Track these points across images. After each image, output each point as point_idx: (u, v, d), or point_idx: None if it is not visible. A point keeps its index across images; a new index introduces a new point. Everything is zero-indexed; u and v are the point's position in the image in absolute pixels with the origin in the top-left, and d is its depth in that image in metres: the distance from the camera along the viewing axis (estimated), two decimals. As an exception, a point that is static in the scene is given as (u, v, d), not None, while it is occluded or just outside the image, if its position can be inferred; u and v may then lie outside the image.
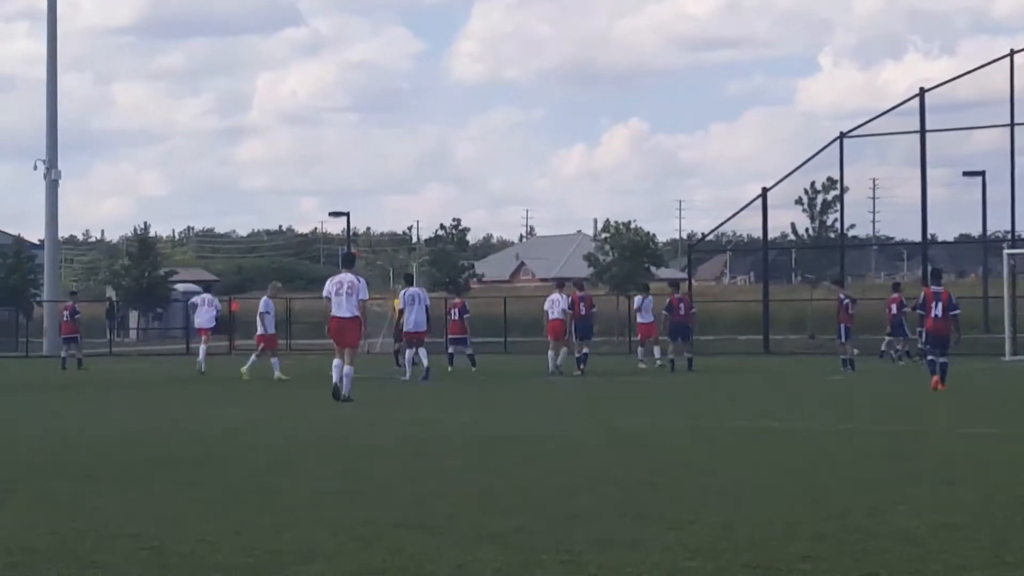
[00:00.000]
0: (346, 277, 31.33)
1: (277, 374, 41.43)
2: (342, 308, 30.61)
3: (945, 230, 67.80)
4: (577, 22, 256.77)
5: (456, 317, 46.78)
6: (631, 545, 11.37)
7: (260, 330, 43.66)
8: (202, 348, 47.24)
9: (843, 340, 44.88)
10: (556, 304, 44.59)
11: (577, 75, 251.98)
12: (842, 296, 46.40)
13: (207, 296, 48.91)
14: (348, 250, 52.99)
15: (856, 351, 45.12)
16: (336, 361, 30.17)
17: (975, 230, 63.26)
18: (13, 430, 25.22)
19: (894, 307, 47.54)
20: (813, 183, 71.50)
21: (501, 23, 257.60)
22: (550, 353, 44.05)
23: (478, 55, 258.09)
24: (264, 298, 45.12)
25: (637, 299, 49.83)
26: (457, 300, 50.59)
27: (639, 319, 48.45)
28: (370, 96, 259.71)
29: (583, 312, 44.64)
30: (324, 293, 31.27)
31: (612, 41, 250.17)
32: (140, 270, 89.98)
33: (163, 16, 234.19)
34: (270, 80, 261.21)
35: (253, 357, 43.56)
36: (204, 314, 47.50)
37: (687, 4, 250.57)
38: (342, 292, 30.51)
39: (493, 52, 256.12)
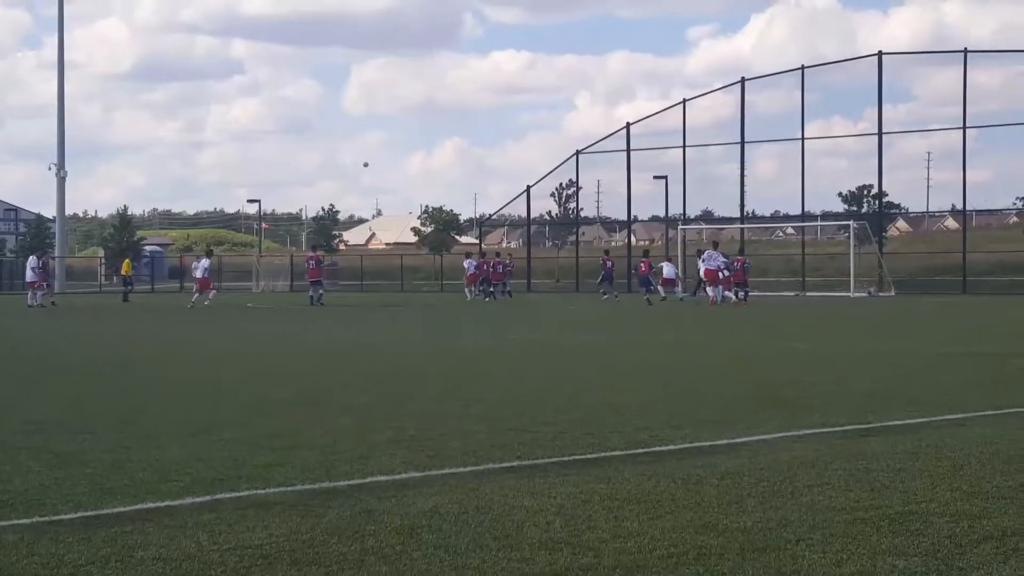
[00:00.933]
0: None
1: (207, 303, 41.10)
2: None
3: (644, 212, 68.12)
4: (426, 75, 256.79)
5: (314, 265, 45.70)
6: (439, 416, 11.24)
7: (199, 275, 43.22)
8: (197, 294, 43.95)
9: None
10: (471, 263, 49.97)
11: (423, 108, 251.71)
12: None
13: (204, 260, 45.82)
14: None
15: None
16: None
17: (661, 213, 63.82)
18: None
19: (643, 265, 46.49)
20: (561, 183, 73.04)
21: (376, 75, 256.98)
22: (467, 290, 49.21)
23: (360, 96, 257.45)
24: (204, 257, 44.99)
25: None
26: (312, 254, 49.65)
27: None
28: (287, 122, 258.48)
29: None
30: None
31: (448, 87, 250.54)
32: (120, 236, 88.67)
33: (150, 66, 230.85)
34: (221, 110, 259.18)
35: (196, 295, 42.83)
36: (198, 270, 44.80)
37: (500, 62, 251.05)
38: None
39: (371, 94, 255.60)
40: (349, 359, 19.10)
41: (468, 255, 53.58)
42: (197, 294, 43.06)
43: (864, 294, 49.43)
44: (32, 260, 46.03)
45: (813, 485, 7.63)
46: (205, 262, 44.58)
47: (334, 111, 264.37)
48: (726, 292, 41.67)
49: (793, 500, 7.20)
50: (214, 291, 44.59)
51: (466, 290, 50.19)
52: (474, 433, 10.10)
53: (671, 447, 9.30)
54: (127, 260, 56.95)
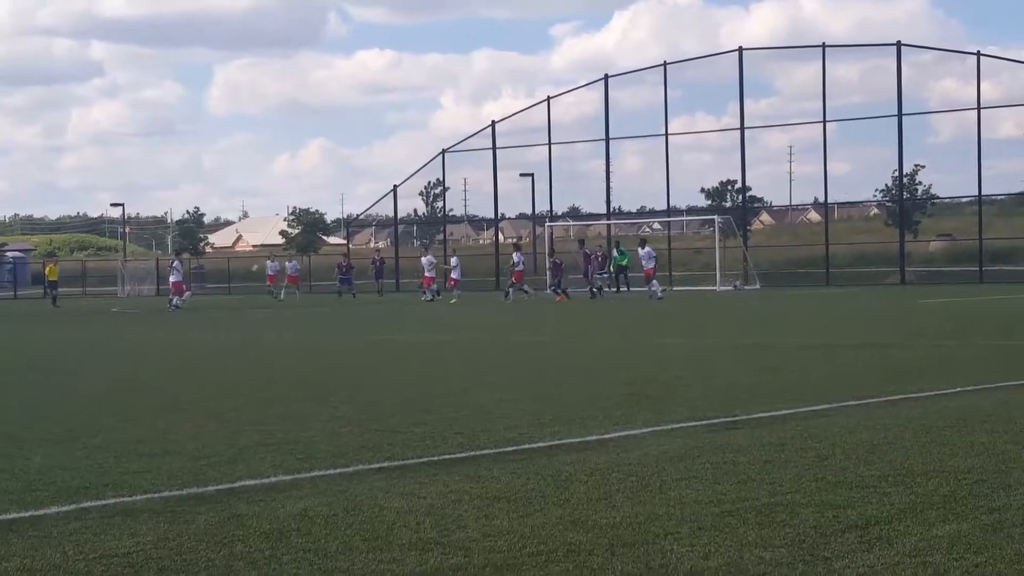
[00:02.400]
0: None
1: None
2: None
3: (511, 210, 68.34)
4: (288, 75, 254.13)
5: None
6: (307, 418, 11.18)
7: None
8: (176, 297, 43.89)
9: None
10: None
11: (290, 109, 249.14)
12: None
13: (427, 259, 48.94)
14: None
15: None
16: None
17: (528, 210, 64.17)
18: None
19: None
20: (429, 182, 72.91)
21: (240, 76, 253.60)
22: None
23: (224, 97, 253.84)
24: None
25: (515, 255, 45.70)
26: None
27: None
28: (149, 124, 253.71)
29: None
30: None
31: (313, 86, 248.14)
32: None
33: (8, 70, 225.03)
34: (82, 113, 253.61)
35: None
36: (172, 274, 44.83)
37: (367, 60, 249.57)
38: None
39: (235, 95, 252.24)
40: (215, 363, 18.88)
41: (427, 253, 52.50)
42: (175, 297, 42.86)
43: (730, 288, 50.30)
44: (176, 264, 46.51)
45: (681, 479, 7.74)
46: (178, 265, 45.46)
47: (198, 113, 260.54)
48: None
49: (661, 495, 7.30)
50: (188, 293, 44.94)
51: (510, 290, 44.24)
52: (343, 435, 10.06)
53: (540, 444, 9.36)
54: (53, 266, 55.82)
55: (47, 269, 54.21)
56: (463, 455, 8.95)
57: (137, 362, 19.49)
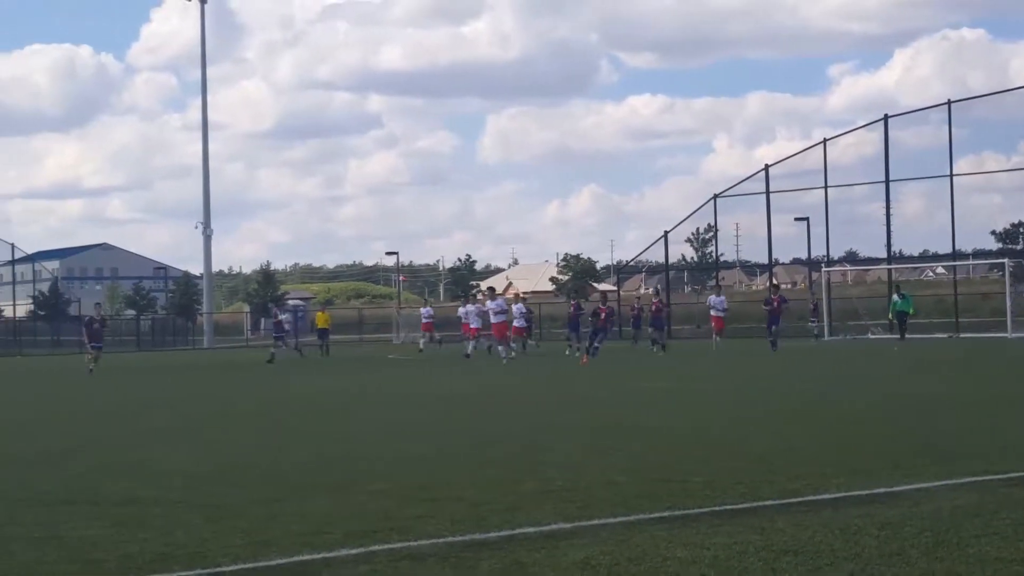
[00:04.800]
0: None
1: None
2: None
3: (785, 255, 67.51)
4: (558, 123, 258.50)
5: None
6: (583, 467, 11.24)
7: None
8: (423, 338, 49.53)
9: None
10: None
11: (560, 157, 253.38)
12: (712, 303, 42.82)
13: (474, 307, 46.03)
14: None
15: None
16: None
17: (803, 255, 63.16)
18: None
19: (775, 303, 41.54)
20: (699, 227, 72.92)
21: (510, 124, 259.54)
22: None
23: (495, 146, 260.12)
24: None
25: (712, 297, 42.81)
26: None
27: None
28: (423, 173, 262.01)
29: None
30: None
31: (583, 133, 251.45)
32: (264, 291, 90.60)
33: (289, 124, 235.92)
34: (359, 164, 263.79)
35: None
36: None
37: (637, 106, 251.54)
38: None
39: (506, 144, 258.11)
40: (484, 410, 19.21)
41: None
42: (424, 337, 48.11)
43: (1023, 335, 48.09)
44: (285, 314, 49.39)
45: (980, 535, 7.46)
46: (427, 310, 49.66)
47: (469, 161, 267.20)
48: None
49: (959, 551, 7.05)
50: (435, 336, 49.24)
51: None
52: (620, 483, 10.09)
53: (825, 496, 9.17)
54: (325, 313, 53.97)
55: (317, 317, 53.77)
56: (745, 505, 8.85)
57: (410, 408, 19.97)
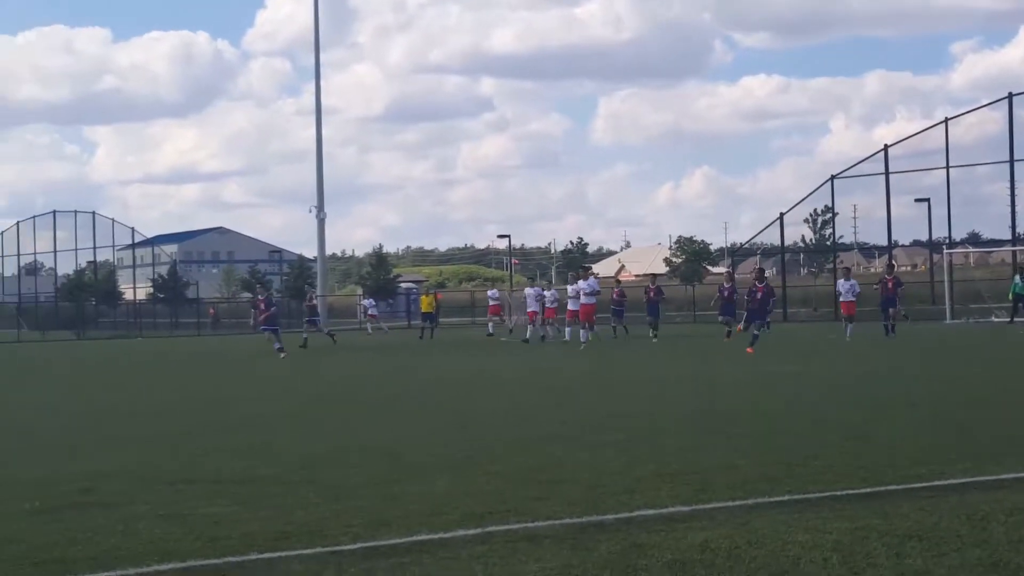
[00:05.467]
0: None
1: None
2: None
3: (905, 237, 66.27)
4: (671, 104, 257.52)
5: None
6: (696, 449, 11.18)
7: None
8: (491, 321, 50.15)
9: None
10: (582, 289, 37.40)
11: (671, 138, 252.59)
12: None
13: (534, 289, 44.09)
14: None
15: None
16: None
17: (924, 237, 62.04)
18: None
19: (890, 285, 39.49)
20: (816, 209, 71.99)
21: (623, 106, 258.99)
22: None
23: (607, 128, 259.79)
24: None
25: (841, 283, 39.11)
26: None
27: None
28: (534, 156, 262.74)
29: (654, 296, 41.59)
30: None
31: (696, 115, 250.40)
32: (376, 274, 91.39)
33: (402, 108, 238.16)
34: (471, 148, 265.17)
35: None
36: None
37: (752, 86, 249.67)
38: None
39: (618, 126, 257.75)
40: (599, 392, 19.18)
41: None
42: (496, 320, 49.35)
43: None
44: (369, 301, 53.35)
45: (1111, 522, 7.29)
46: (494, 292, 51.31)
47: (581, 144, 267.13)
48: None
49: (1091, 538, 6.89)
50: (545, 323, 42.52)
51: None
52: (739, 466, 10.02)
53: (951, 481, 9.02)
54: (429, 295, 52.30)
55: (422, 301, 52.48)
56: (868, 490, 8.73)
57: (523, 391, 20.01)
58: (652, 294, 42.25)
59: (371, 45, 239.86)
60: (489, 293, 53.78)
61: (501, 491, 9.08)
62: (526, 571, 6.46)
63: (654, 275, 48.87)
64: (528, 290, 44.62)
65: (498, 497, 8.81)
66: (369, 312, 63.93)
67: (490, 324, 49.99)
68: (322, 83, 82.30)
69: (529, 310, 42.61)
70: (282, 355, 33.85)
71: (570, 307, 38.28)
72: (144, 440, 13.56)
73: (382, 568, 6.60)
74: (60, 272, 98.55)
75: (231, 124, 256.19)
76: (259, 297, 39.27)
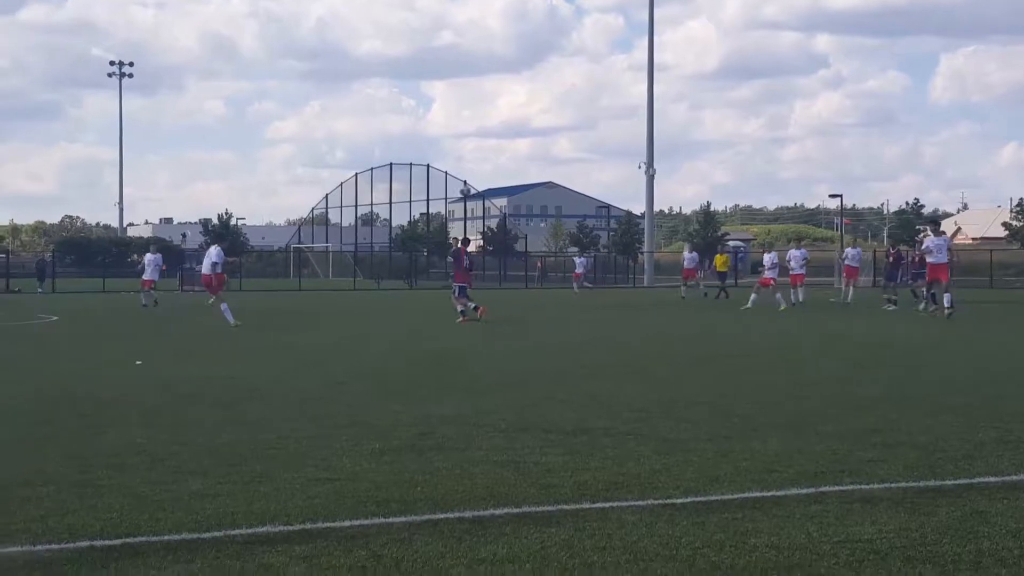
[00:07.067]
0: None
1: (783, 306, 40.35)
2: None
3: None
4: (1019, 61, 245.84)
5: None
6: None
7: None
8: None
9: None
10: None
11: (1018, 97, 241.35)
12: None
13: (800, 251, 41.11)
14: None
15: None
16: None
17: None
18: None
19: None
20: None
21: (965, 64, 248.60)
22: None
23: (948, 87, 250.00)
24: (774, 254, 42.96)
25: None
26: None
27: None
28: (870, 115, 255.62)
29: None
30: None
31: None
32: (704, 232, 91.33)
33: (735, 65, 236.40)
34: (804, 105, 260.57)
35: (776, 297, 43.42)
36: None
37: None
38: None
39: (960, 84, 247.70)
40: (938, 360, 18.60)
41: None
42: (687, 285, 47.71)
43: None
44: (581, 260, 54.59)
45: None
46: (690, 255, 48.76)
47: (920, 103, 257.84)
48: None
49: None
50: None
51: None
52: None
53: None
54: (724, 255, 54.02)
55: (716, 260, 52.36)
56: None
57: (853, 351, 19.56)
58: (892, 259, 40.33)
59: (706, 0, 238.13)
60: (685, 255, 49.98)
61: (835, 451, 8.98)
62: (862, 533, 6.39)
63: (895, 242, 46.88)
64: (794, 251, 41.08)
65: (832, 457, 8.71)
66: (576, 271, 62.24)
67: (683, 288, 48.20)
68: (655, 39, 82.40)
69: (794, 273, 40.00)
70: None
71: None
72: (478, 387, 13.99)
73: (714, 523, 6.64)
74: (394, 223, 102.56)
75: (563, 79, 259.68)
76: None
